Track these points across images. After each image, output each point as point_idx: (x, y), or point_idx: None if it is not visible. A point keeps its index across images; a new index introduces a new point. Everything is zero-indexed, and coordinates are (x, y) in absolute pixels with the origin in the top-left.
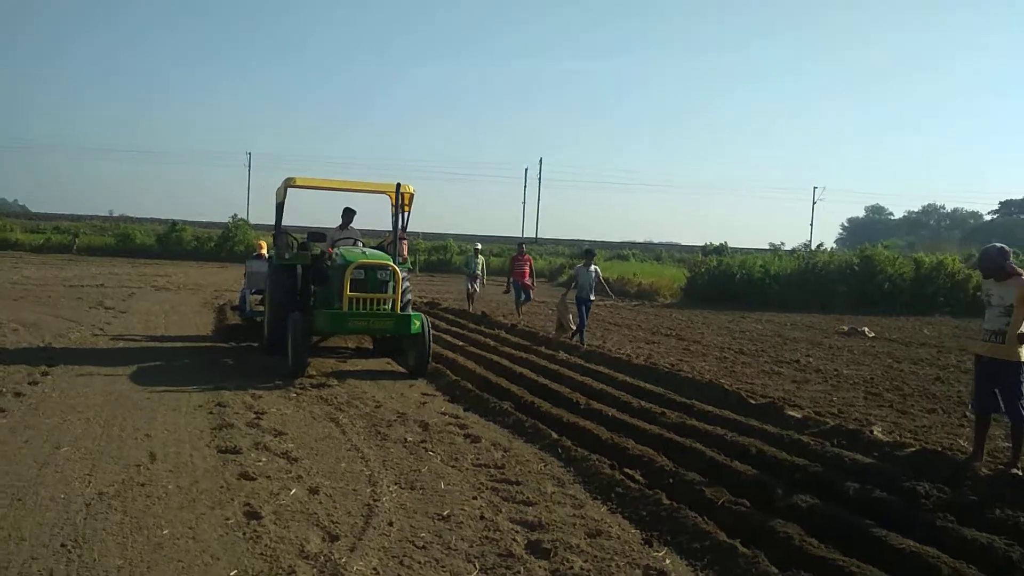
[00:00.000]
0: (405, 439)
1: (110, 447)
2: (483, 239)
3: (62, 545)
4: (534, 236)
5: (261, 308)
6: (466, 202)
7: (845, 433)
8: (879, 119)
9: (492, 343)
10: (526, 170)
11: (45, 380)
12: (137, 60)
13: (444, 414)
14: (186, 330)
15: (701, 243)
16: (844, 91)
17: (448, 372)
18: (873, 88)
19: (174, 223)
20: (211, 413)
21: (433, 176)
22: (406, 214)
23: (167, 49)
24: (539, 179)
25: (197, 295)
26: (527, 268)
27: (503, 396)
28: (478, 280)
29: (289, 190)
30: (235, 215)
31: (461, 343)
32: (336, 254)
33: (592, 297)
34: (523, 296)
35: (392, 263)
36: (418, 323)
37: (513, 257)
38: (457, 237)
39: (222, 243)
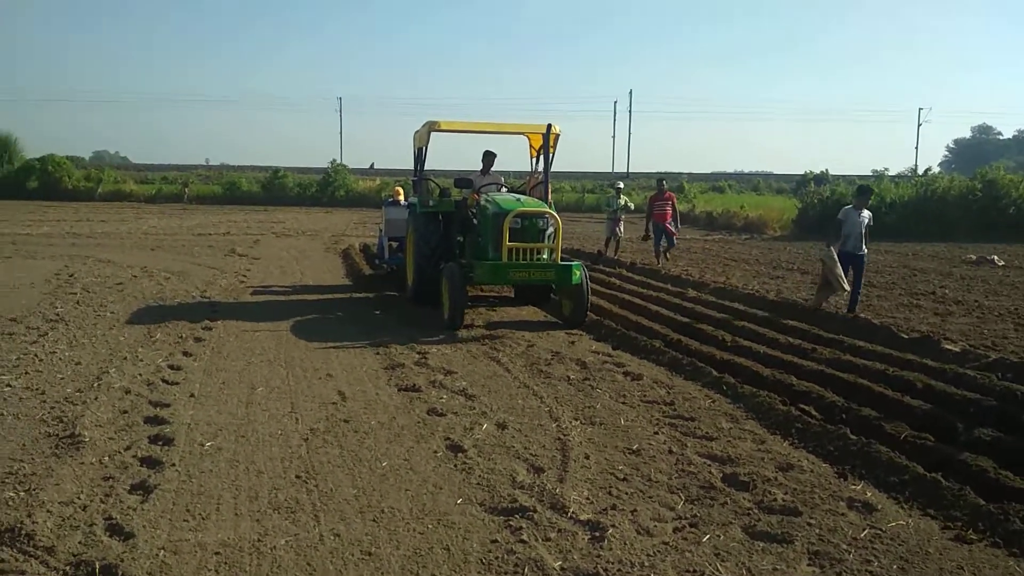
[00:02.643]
0: (568, 377)
1: (300, 386)
2: (574, 176)
3: (297, 476)
4: (625, 171)
5: (400, 255)
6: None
7: (1009, 366)
8: (984, 36)
9: (616, 281)
10: (615, 103)
11: (216, 326)
12: (217, 6)
13: (596, 353)
14: (322, 276)
15: (797, 172)
16: (947, 9)
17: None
18: (975, 3)
19: (276, 170)
20: (378, 354)
21: (524, 114)
22: (551, 156)
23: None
24: (629, 112)
25: (316, 240)
26: (669, 209)
27: (647, 334)
28: (621, 222)
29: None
30: (333, 160)
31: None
32: (488, 200)
33: (864, 250)
34: (665, 241)
35: (550, 211)
36: (578, 273)
37: (652, 197)
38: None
39: (323, 188)
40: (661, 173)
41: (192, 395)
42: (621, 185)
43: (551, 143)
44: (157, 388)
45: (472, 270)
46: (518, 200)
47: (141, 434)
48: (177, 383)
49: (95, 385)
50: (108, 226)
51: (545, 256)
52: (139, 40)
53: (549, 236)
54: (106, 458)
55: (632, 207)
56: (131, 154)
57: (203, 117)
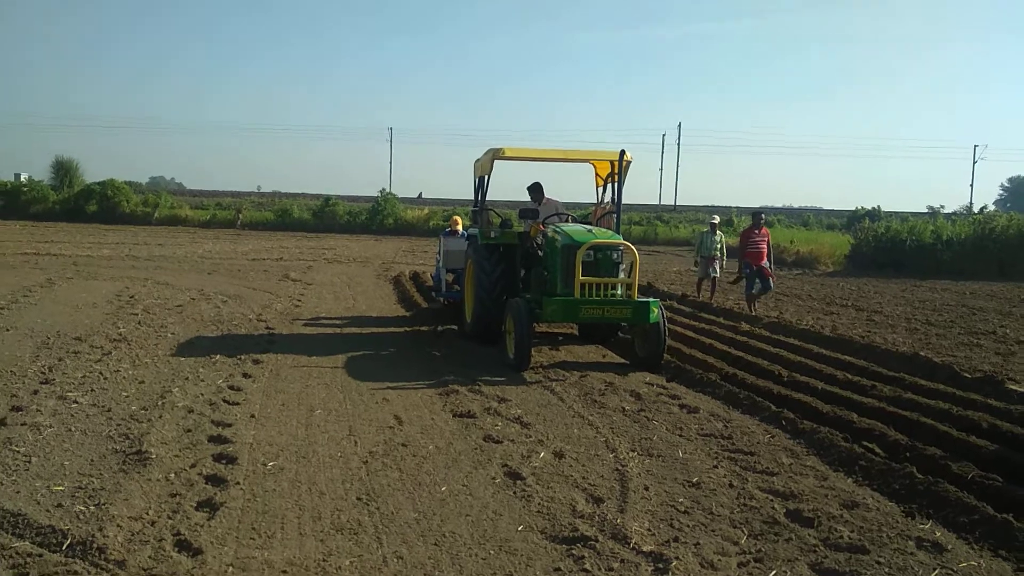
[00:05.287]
0: (623, 408)
1: (357, 410)
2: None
3: (358, 498)
4: (673, 203)
5: (457, 288)
6: None
7: None
8: None
9: (669, 313)
10: (663, 136)
11: (273, 349)
12: (271, 40)
13: (651, 384)
14: (374, 303)
15: (847, 208)
16: (1001, 42)
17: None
18: None
19: (327, 198)
20: (431, 378)
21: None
22: (622, 184)
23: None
24: (678, 144)
25: (367, 267)
26: (764, 246)
27: (702, 367)
28: (716, 261)
29: (496, 162)
30: (383, 189)
31: None
32: (556, 231)
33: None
34: (760, 284)
35: (625, 242)
36: (656, 311)
37: (744, 231)
38: (582, 205)
39: (372, 216)
40: (709, 207)
41: (253, 416)
42: (717, 220)
43: (623, 170)
44: (219, 408)
45: (540, 306)
46: (590, 231)
47: (205, 452)
48: (238, 403)
49: (159, 404)
50: (165, 249)
51: (620, 292)
52: (195, 69)
53: (625, 270)
54: (172, 475)
55: (725, 245)
56: (186, 180)
57: (255, 144)
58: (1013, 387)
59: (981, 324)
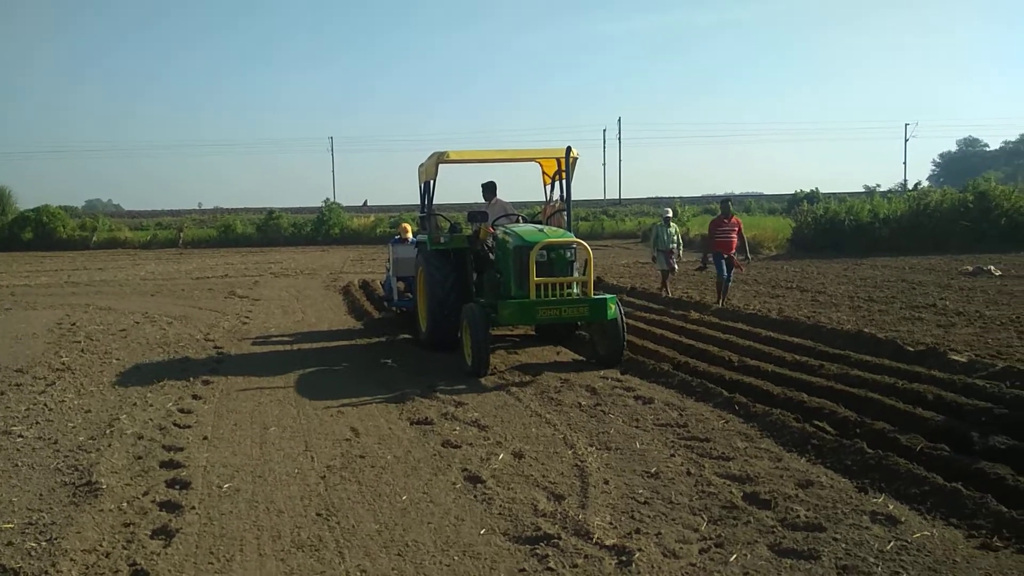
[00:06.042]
0: (579, 404)
1: (312, 424)
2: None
3: (317, 514)
4: (617, 197)
5: (409, 296)
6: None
7: (1018, 374)
8: (968, 48)
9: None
10: (603, 131)
11: (222, 368)
12: (199, 57)
13: (605, 378)
14: (324, 314)
15: (787, 191)
16: (931, 23)
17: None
18: (959, 15)
19: (271, 211)
20: (389, 390)
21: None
22: (571, 180)
23: (232, 42)
24: (619, 139)
25: (315, 279)
26: (735, 236)
27: (654, 357)
28: (673, 255)
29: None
30: (327, 199)
31: None
32: (507, 233)
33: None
34: (728, 275)
35: (578, 239)
36: (613, 307)
37: (713, 221)
38: (534, 203)
39: (318, 227)
40: (654, 199)
41: (205, 438)
42: (670, 212)
43: (571, 166)
44: (169, 432)
45: (495, 310)
46: (541, 231)
47: (158, 479)
48: (189, 426)
49: (107, 432)
50: (106, 274)
51: (575, 290)
52: (126, 88)
53: (579, 268)
54: (124, 504)
55: (681, 237)
56: (124, 201)
57: (195, 162)
58: (955, 357)
59: (921, 298)
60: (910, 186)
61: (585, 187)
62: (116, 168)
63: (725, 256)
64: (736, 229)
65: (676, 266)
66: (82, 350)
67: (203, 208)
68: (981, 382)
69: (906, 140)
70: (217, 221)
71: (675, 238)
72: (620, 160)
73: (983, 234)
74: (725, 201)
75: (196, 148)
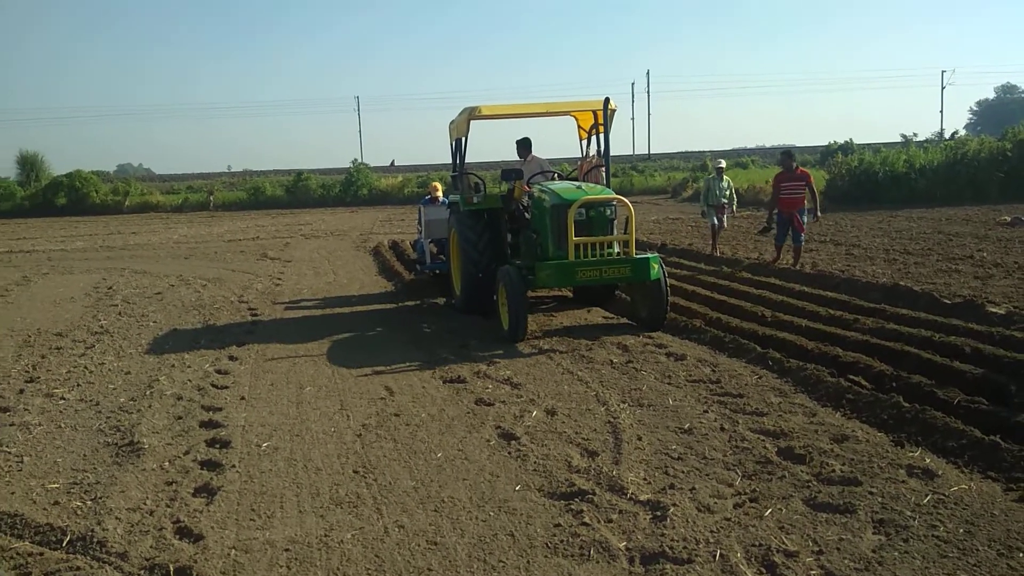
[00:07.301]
0: (611, 361)
1: (347, 384)
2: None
3: (355, 471)
4: (647, 152)
5: (443, 259)
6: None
7: None
8: None
9: None
10: (632, 84)
11: (257, 329)
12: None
13: (637, 335)
14: (356, 275)
15: (820, 143)
16: None
17: (622, 294)
18: None
19: (299, 173)
20: (422, 350)
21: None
22: (608, 134)
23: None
24: (648, 93)
25: (345, 240)
26: (803, 192)
27: (686, 314)
28: (725, 211)
29: (472, 123)
30: (355, 160)
31: None
32: (543, 191)
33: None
34: (792, 235)
35: (619, 196)
36: (656, 267)
37: (777, 176)
38: (570, 160)
39: (346, 188)
40: (684, 153)
41: (243, 398)
42: (723, 164)
43: (609, 119)
44: (208, 393)
45: (532, 273)
46: (579, 188)
47: (198, 438)
48: (227, 387)
49: (147, 393)
50: (139, 237)
51: (616, 250)
52: (153, 51)
53: (620, 226)
54: (167, 463)
55: (734, 192)
56: (154, 166)
57: (223, 125)
58: (993, 310)
59: (958, 249)
60: (947, 135)
61: (614, 143)
62: (144, 133)
63: (788, 214)
64: (805, 183)
65: (726, 223)
66: (119, 313)
67: (233, 171)
68: (1020, 334)
69: (943, 88)
70: (247, 184)
71: (727, 192)
72: (649, 114)
73: (1022, 183)
74: (787, 153)
75: (222, 110)
